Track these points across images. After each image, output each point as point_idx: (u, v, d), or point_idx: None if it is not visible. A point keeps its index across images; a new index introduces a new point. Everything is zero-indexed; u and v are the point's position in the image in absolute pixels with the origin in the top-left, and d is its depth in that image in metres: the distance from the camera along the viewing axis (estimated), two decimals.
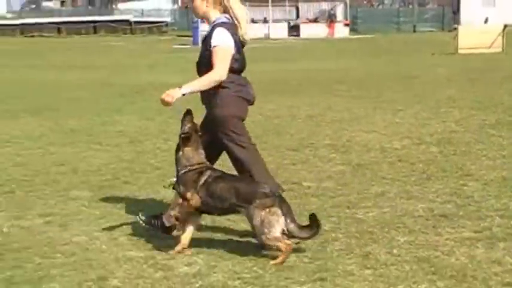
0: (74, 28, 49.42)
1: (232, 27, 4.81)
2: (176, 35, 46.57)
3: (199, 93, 4.86)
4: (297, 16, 47.98)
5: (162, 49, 33.31)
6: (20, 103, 12.99)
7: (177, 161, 4.68)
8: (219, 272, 4.27)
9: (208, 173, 4.58)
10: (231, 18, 4.85)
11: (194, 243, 4.69)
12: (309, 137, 8.91)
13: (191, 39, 37.15)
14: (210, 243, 4.77)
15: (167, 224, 4.78)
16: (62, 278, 4.21)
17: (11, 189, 6.44)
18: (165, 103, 4.63)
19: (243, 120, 4.91)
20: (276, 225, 4.35)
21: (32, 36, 47.27)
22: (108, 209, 5.66)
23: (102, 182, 6.70)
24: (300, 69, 19.80)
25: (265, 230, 4.34)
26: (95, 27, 50.34)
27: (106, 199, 5.98)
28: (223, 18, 4.85)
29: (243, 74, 4.94)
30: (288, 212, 4.44)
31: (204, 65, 4.78)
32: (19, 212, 5.65)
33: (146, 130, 9.70)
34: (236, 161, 4.89)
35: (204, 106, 4.97)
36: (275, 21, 46.12)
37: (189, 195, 4.54)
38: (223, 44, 4.71)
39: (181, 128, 4.69)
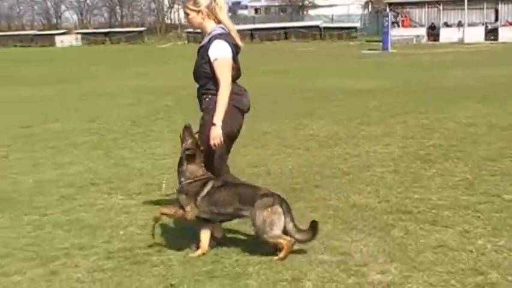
0: (266, 34, 51.29)
1: (228, 37, 4.94)
2: (365, 40, 46.36)
3: (197, 100, 5.11)
4: (496, 19, 45.31)
5: (351, 54, 33.33)
6: None
7: (180, 173, 4.86)
8: (414, 283, 4.17)
9: (211, 183, 4.76)
10: (226, 27, 4.98)
11: (386, 250, 4.63)
12: (508, 146, 8.37)
13: (381, 44, 36.80)
14: (402, 251, 4.68)
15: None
16: (258, 276, 4.38)
17: None
18: (217, 145, 4.84)
19: (237, 131, 5.08)
20: (278, 223, 4.54)
21: None
22: (300, 211, 5.77)
23: (294, 184, 6.84)
24: (497, 76, 18.67)
25: (267, 229, 4.53)
26: (285, 33, 51.79)
27: (298, 201, 6.08)
28: (219, 29, 4.97)
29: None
30: (287, 211, 4.60)
31: (203, 75, 4.96)
32: None
33: (336, 135, 9.75)
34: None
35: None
36: (471, 24, 44.04)
37: (188, 208, 4.74)
38: (224, 56, 4.87)
39: (183, 142, 4.86)
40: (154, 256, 4.83)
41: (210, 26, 5.03)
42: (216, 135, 4.82)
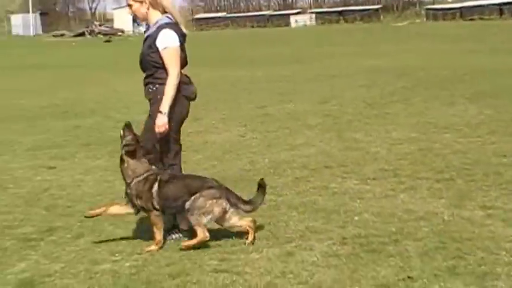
0: None
1: (175, 26, 4.93)
2: None
3: (143, 88, 5.07)
4: None
5: None
6: (459, 89, 12.98)
7: (123, 172, 4.86)
8: None
9: (158, 178, 4.79)
10: (173, 17, 4.95)
11: None
12: None
13: None
14: None
15: None
16: (507, 278, 3.94)
17: (451, 176, 6.39)
18: (163, 133, 4.87)
19: (183, 118, 5.08)
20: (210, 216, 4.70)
21: (472, 19, 47.21)
22: None
23: None
24: None
25: (198, 215, 4.67)
26: None
27: None
28: (166, 18, 4.95)
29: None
30: (232, 200, 4.78)
31: (151, 64, 4.94)
32: (459, 201, 5.55)
33: None
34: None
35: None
36: None
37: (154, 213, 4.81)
38: (172, 45, 4.88)
39: (123, 140, 4.85)
40: (391, 246, 4.60)
41: (156, 16, 5.00)
42: (162, 123, 4.85)
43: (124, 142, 4.89)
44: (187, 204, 4.75)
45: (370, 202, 5.71)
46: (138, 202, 4.85)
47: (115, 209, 5.04)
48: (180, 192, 4.80)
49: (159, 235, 4.86)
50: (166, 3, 5.04)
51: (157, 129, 4.88)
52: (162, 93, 4.90)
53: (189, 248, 4.72)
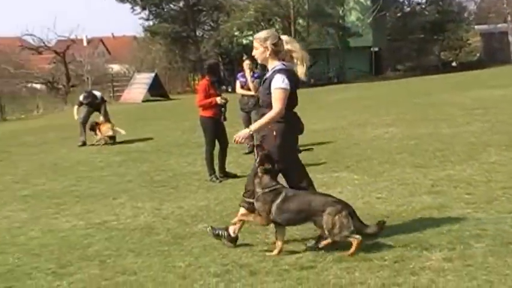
0: None
1: (288, 71, 5.55)
2: None
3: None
4: None
5: None
6: None
7: (256, 185, 5.52)
8: None
9: (283, 192, 5.42)
10: (287, 63, 5.61)
11: None
12: None
13: None
14: None
15: (232, 235, 5.72)
16: None
17: None
18: (237, 142, 5.68)
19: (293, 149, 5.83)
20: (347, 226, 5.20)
21: None
22: None
23: None
24: None
25: (336, 231, 5.18)
26: None
27: None
28: (281, 65, 5.59)
29: None
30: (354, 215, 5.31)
31: (265, 103, 5.60)
32: None
33: None
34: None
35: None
36: None
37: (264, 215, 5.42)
38: (282, 87, 5.46)
39: (257, 158, 5.58)
40: None
41: (273, 62, 5.64)
42: (242, 135, 5.61)
43: (258, 161, 5.59)
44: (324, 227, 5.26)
45: None
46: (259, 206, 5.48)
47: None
48: (302, 206, 5.38)
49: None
50: (293, 47, 5.74)
51: (235, 137, 5.64)
52: (278, 129, 5.56)
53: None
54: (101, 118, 15.98)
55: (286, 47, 5.68)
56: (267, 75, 5.68)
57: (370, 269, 4.81)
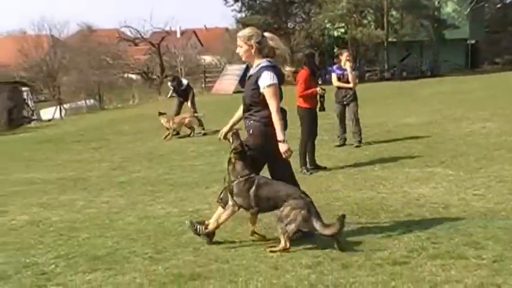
0: None
1: (274, 68, 5.61)
2: None
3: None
4: None
5: None
6: None
7: (229, 172, 5.60)
8: None
9: (256, 180, 5.51)
10: (271, 60, 5.65)
11: None
12: None
13: None
14: None
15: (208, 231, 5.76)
16: None
17: None
18: (289, 156, 5.54)
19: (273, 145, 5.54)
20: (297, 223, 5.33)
21: None
22: None
23: None
24: None
25: (285, 221, 5.34)
26: None
27: None
28: (266, 61, 5.64)
29: None
30: (314, 214, 5.35)
31: (251, 100, 5.64)
32: None
33: None
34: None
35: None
36: None
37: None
38: (273, 83, 5.53)
39: (231, 145, 5.60)
40: None
41: (258, 60, 5.67)
42: (285, 150, 5.47)
43: (232, 147, 5.61)
44: (278, 213, 5.39)
45: None
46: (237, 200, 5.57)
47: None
48: (272, 195, 5.48)
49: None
50: (276, 45, 5.75)
51: (284, 155, 5.51)
52: (255, 129, 5.63)
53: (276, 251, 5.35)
54: (189, 104, 16.37)
55: (270, 43, 5.71)
56: (253, 71, 5.71)
57: (466, 267, 4.68)
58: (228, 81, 36.13)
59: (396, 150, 10.92)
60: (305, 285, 4.57)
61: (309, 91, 9.60)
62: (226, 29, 52.97)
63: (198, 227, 5.90)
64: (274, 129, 5.53)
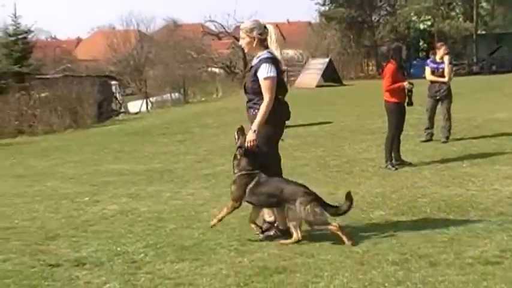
0: None
1: (274, 60, 5.75)
2: None
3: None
4: None
5: None
6: None
7: (234, 166, 5.83)
8: None
9: (257, 177, 5.68)
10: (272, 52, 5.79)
11: None
12: None
13: None
14: None
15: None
16: None
17: None
18: (251, 148, 5.65)
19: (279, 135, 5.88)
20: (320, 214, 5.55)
21: None
22: None
23: None
24: None
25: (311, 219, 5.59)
26: None
27: None
28: (267, 53, 5.79)
29: None
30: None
31: (252, 90, 5.79)
32: None
33: None
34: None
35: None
36: None
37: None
38: (270, 76, 5.66)
39: (237, 141, 5.81)
40: None
41: (260, 51, 5.82)
42: (250, 139, 5.64)
43: (238, 143, 5.82)
44: (287, 207, 5.60)
45: None
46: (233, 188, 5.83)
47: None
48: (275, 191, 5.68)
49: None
50: (271, 45, 5.85)
51: (247, 144, 5.68)
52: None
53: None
54: None
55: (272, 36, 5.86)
56: (254, 63, 5.90)
57: None
58: (310, 75, 36.03)
59: (486, 147, 10.57)
60: (392, 281, 4.50)
61: (396, 85, 9.43)
62: (309, 23, 52.75)
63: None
64: (277, 116, 5.75)
